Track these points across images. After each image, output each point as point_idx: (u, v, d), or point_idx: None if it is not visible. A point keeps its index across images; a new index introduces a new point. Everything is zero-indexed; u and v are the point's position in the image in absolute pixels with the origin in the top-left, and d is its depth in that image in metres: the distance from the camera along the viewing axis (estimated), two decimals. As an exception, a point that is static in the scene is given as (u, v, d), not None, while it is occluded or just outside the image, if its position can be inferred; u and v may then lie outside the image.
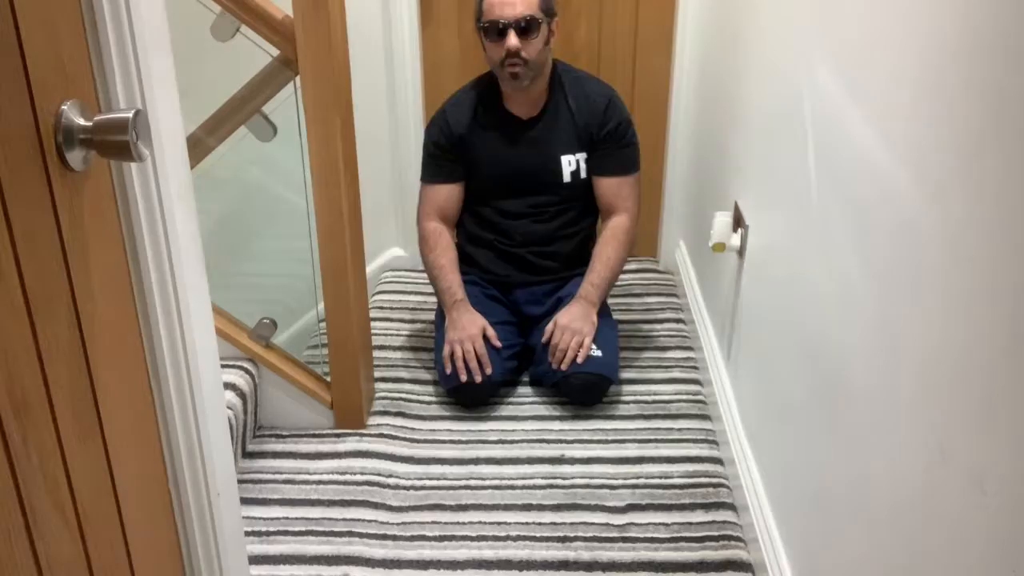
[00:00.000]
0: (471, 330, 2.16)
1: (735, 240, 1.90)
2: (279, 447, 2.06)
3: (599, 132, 2.22)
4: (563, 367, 2.13)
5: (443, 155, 2.27)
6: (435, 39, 2.72)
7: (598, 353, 2.16)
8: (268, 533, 1.80)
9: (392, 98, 2.72)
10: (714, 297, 2.26)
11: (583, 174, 2.27)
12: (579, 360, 2.12)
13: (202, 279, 1.07)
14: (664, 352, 2.42)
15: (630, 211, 2.27)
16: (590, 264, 2.25)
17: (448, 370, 2.14)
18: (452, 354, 2.14)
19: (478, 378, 2.12)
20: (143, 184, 0.94)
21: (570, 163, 2.26)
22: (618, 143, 2.24)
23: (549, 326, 2.20)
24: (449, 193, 2.30)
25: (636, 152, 2.29)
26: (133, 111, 0.80)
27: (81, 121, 0.80)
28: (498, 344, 2.17)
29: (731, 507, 1.84)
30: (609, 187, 2.26)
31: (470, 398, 2.17)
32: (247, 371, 2.01)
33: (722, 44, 2.29)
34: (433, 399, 2.24)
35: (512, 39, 2.08)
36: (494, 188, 2.30)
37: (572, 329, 2.15)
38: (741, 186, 1.95)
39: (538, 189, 2.28)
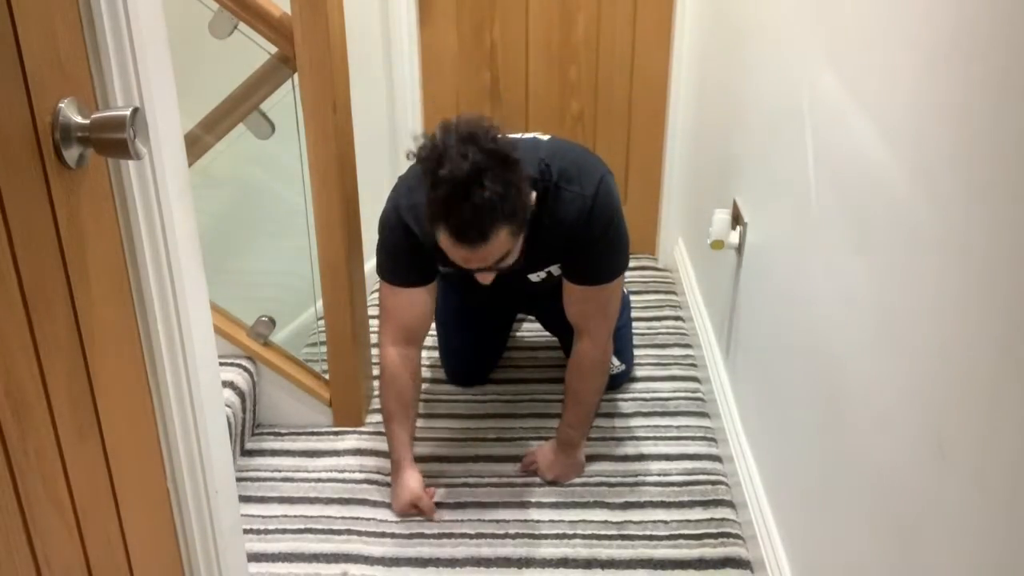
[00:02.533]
0: (406, 498, 1.83)
1: (734, 237, 1.90)
2: (277, 445, 2.06)
3: (571, 244, 1.78)
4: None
5: (406, 253, 1.79)
6: (434, 37, 2.71)
7: (621, 368, 2.21)
8: (267, 531, 1.80)
9: (391, 96, 2.71)
10: (713, 294, 2.26)
11: (556, 273, 1.91)
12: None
13: (200, 277, 1.07)
14: (663, 350, 2.42)
15: (595, 335, 1.85)
16: (564, 402, 1.94)
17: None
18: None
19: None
20: (141, 182, 0.94)
21: (539, 276, 1.91)
22: (592, 248, 1.77)
23: (529, 461, 1.98)
24: (420, 303, 1.85)
25: (614, 259, 1.82)
26: (131, 109, 0.80)
27: (78, 119, 0.80)
28: (431, 514, 1.82)
29: (730, 504, 1.84)
30: (575, 296, 1.84)
31: (466, 382, 2.30)
32: (245, 369, 2.01)
33: (721, 40, 2.29)
34: (431, 397, 2.24)
35: (488, 277, 1.67)
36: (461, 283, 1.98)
37: (557, 478, 1.93)
38: (740, 183, 1.95)
39: (510, 287, 1.93)
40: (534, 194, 1.63)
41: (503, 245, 1.56)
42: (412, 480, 1.85)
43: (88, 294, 0.85)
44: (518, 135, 1.81)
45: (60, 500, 0.82)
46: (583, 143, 2.79)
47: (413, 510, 1.84)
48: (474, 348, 2.30)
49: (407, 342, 1.87)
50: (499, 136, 1.55)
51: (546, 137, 1.87)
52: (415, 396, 1.90)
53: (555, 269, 1.88)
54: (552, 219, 1.73)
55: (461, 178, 1.48)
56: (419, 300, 1.85)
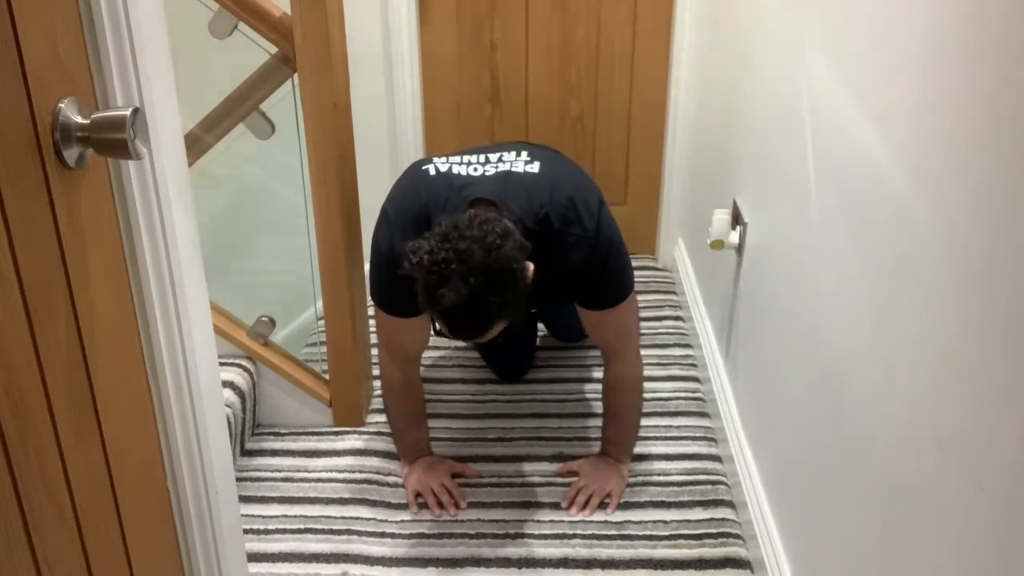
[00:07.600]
0: (439, 474, 1.91)
1: (734, 237, 1.90)
2: (278, 445, 2.06)
3: (582, 278, 1.77)
4: (576, 511, 1.84)
5: (402, 289, 1.57)
6: (433, 37, 2.71)
7: None
8: (267, 531, 1.80)
9: (390, 95, 2.71)
10: (713, 294, 2.26)
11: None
12: (609, 511, 1.85)
13: (200, 277, 1.07)
14: (663, 350, 2.42)
15: (623, 354, 1.89)
16: (604, 420, 1.96)
17: (414, 511, 1.85)
18: (419, 495, 1.89)
19: (453, 512, 1.84)
20: (141, 182, 0.94)
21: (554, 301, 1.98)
22: (600, 277, 1.77)
23: (568, 468, 1.96)
24: (417, 328, 1.83)
25: (621, 280, 1.82)
26: (131, 109, 0.80)
27: (78, 119, 0.80)
28: (476, 475, 1.94)
29: (730, 504, 1.84)
30: (592, 322, 1.86)
31: (507, 377, 2.34)
32: (245, 369, 2.01)
33: (721, 40, 2.29)
34: (431, 397, 2.24)
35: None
36: None
37: (601, 486, 1.88)
38: (740, 183, 1.95)
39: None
40: (531, 266, 1.57)
41: (498, 330, 1.57)
42: (446, 460, 1.96)
43: (88, 294, 0.85)
44: (505, 160, 1.74)
45: (60, 501, 0.82)
46: (583, 145, 2.81)
47: (442, 490, 1.87)
48: (502, 351, 2.31)
49: (409, 360, 1.92)
50: (496, 240, 1.48)
51: (535, 166, 1.73)
52: (424, 407, 1.99)
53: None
54: (560, 263, 1.71)
55: (461, 304, 1.46)
56: (416, 326, 1.81)
